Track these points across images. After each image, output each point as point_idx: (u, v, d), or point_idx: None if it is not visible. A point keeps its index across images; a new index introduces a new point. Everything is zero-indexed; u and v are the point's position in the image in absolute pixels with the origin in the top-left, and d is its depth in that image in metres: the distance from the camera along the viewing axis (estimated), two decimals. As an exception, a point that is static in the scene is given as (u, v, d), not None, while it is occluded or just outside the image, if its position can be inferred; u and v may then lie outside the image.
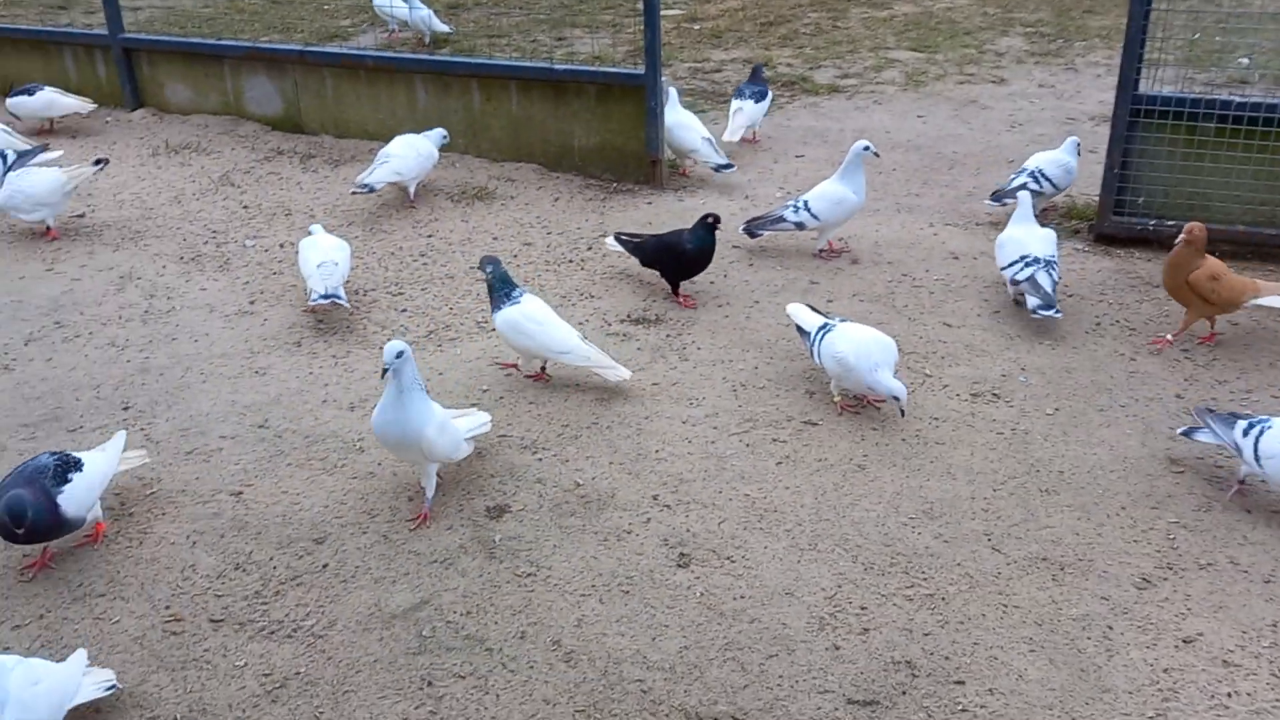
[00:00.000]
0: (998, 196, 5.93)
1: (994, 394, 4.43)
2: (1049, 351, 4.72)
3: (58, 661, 2.95)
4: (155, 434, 4.21)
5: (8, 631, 3.23)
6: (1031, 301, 4.83)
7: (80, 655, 2.99)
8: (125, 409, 4.37)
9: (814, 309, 4.62)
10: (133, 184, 6.79)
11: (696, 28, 10.77)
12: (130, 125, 7.77)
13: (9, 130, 6.99)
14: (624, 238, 5.39)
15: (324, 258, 5.02)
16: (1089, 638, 3.20)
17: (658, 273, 5.32)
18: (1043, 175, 5.85)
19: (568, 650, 3.18)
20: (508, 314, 4.40)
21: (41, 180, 5.93)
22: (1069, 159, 5.93)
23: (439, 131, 6.57)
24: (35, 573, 3.44)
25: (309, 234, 5.31)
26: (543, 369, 4.60)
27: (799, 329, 4.58)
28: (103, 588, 3.41)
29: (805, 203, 5.56)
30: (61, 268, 5.67)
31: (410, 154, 6.26)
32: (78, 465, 3.51)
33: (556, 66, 6.79)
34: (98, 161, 6.21)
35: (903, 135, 7.54)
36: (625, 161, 6.72)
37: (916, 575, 3.47)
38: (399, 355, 3.50)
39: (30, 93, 7.65)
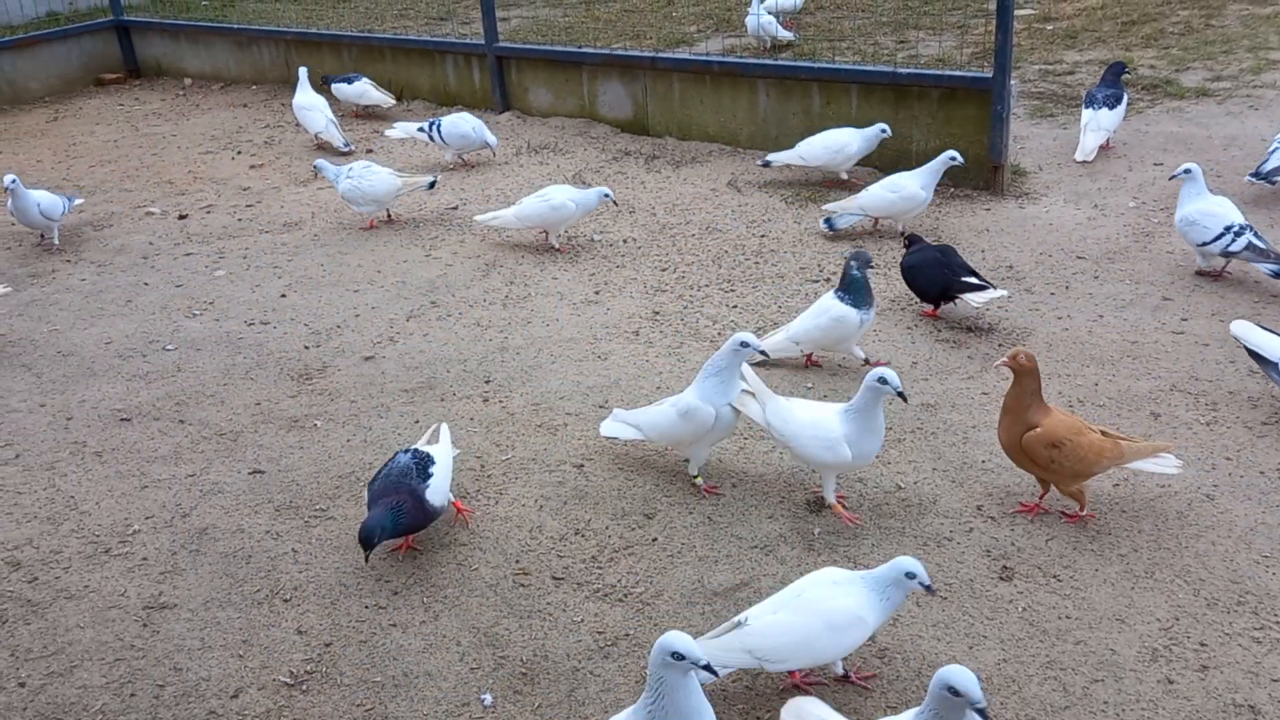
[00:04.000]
0: None
1: (1377, 431, 4.00)
2: None
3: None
4: (511, 406, 4.66)
5: (386, 565, 3.72)
6: (1266, 268, 5.00)
7: None
8: (487, 382, 4.86)
9: (1267, 329, 4.22)
10: (498, 180, 7.47)
11: (1049, 28, 10.29)
12: (498, 126, 8.53)
13: (336, 123, 8.05)
14: None
15: None
16: None
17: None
18: None
19: (881, 646, 3.23)
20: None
21: (380, 182, 6.58)
22: None
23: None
24: (403, 552, 3.80)
25: None
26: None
27: (1256, 354, 4.12)
28: (472, 539, 3.84)
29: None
30: (438, 254, 6.36)
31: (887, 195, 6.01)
32: (431, 460, 3.77)
33: (900, 70, 6.76)
34: (431, 183, 6.75)
35: (1281, 143, 6.86)
36: (965, 166, 6.58)
37: (1268, 617, 3.22)
38: None
39: (349, 81, 8.65)
